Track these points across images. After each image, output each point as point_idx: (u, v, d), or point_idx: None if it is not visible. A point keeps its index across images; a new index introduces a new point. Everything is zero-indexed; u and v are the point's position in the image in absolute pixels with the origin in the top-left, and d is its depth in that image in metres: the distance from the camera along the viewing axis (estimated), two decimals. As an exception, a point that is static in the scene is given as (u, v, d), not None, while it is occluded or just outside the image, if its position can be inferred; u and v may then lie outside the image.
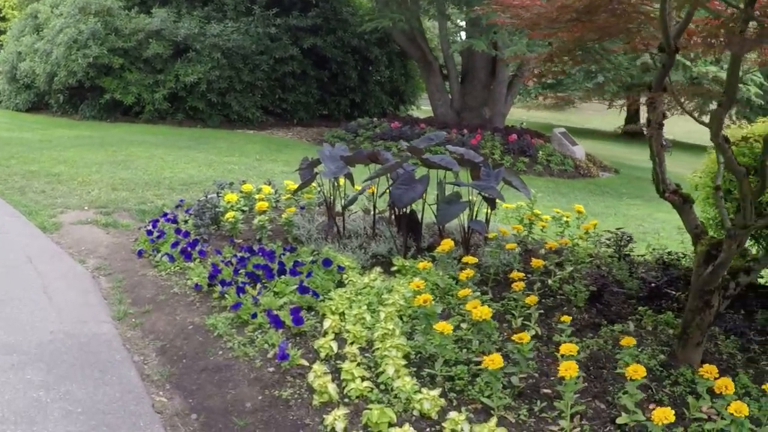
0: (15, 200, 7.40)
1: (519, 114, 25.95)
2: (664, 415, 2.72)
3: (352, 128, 16.17)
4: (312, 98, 18.44)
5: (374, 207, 5.75)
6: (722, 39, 3.05)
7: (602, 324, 4.39)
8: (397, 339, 3.77)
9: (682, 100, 4.14)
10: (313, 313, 4.29)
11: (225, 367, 3.77)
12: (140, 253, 5.64)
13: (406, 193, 4.99)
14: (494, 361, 3.07)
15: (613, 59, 4.30)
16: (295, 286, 4.47)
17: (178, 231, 5.70)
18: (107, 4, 16.21)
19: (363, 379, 3.47)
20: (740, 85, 19.74)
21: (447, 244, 4.79)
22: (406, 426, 3.02)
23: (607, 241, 5.70)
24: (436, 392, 3.26)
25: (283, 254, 5.08)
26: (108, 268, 5.45)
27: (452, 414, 3.08)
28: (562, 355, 3.19)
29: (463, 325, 4.04)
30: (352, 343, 3.87)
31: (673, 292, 4.90)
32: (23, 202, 7.32)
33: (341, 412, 3.14)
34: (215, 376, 3.69)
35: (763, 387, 3.23)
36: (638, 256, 5.75)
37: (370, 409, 3.10)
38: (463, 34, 20.60)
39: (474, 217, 5.26)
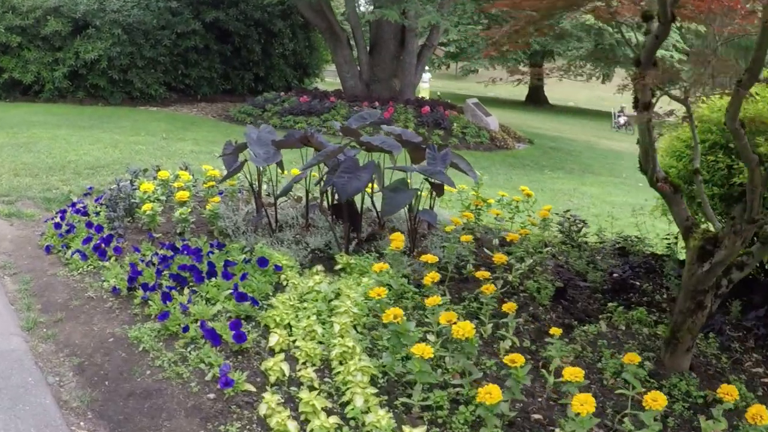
0: None
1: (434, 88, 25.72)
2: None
3: (258, 103, 15.31)
4: (215, 73, 17.95)
5: (307, 194, 5.10)
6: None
7: (572, 325, 4.01)
8: (360, 360, 3.20)
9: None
10: (253, 323, 3.67)
11: (156, 391, 3.15)
12: (48, 249, 4.93)
13: (350, 183, 4.37)
14: (492, 395, 2.56)
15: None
16: (229, 291, 3.87)
17: (89, 225, 4.95)
18: (3, -18, 14.95)
19: (328, 413, 2.91)
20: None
21: (398, 239, 4.24)
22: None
23: (560, 227, 5.33)
24: (419, 430, 2.73)
25: (211, 252, 4.39)
26: (13, 267, 4.70)
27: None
28: (565, 382, 2.73)
29: (431, 337, 3.53)
30: (305, 363, 3.33)
31: (638, 284, 4.60)
32: None
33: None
34: (145, 404, 3.07)
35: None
36: (597, 243, 5.39)
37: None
38: (365, 4, 20.01)
39: (418, 205, 4.73)
